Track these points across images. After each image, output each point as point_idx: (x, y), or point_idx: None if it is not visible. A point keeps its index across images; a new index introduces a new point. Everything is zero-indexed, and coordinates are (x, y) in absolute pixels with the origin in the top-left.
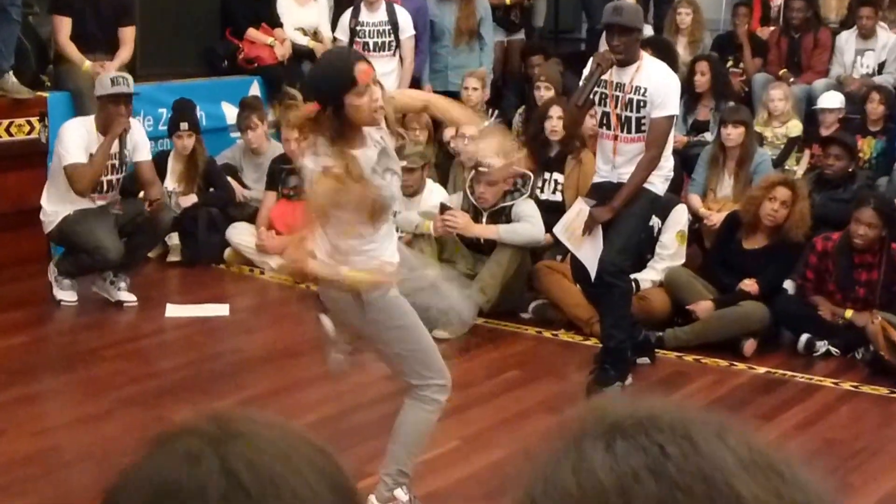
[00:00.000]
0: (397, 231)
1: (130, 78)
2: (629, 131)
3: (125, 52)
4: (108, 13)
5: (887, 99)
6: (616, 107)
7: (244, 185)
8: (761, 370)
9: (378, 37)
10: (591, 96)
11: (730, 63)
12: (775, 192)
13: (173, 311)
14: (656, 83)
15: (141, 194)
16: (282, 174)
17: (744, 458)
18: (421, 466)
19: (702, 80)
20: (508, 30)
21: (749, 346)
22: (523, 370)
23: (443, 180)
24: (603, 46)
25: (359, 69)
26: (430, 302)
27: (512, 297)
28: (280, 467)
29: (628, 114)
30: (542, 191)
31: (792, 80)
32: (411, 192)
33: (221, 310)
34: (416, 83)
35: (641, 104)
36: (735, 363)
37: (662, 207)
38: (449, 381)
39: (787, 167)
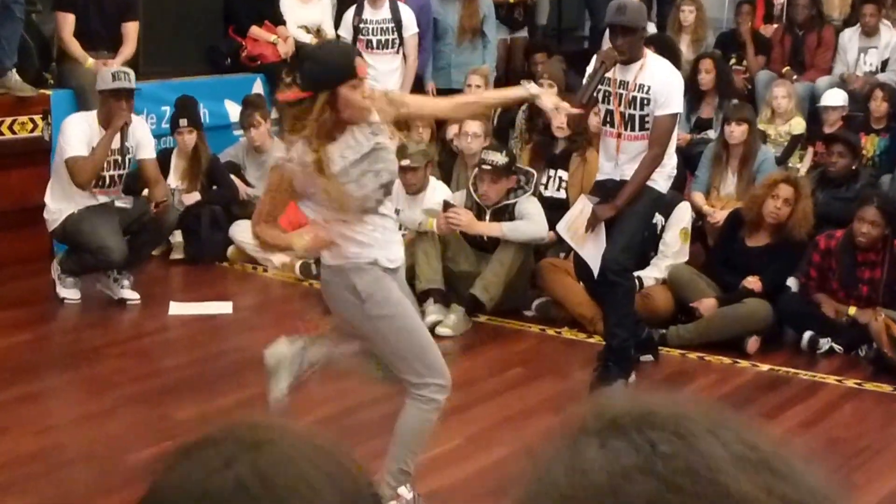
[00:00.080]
0: (400, 229)
1: (132, 73)
2: (632, 129)
3: (128, 49)
4: (112, 9)
5: (891, 97)
6: (619, 105)
7: (247, 183)
8: (765, 368)
9: (381, 34)
10: (595, 94)
11: (733, 61)
12: (778, 190)
13: (176, 308)
14: (660, 81)
15: (145, 192)
16: None
17: (736, 454)
18: (424, 464)
19: (706, 77)
20: (512, 27)
21: (752, 343)
22: (527, 368)
23: (446, 178)
24: (606, 44)
25: (358, 62)
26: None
27: (515, 294)
28: (311, 475)
29: (632, 112)
30: (546, 188)
31: (795, 77)
32: (414, 190)
33: (225, 308)
34: (419, 81)
35: (645, 102)
36: (738, 361)
37: (666, 205)
38: (448, 382)
39: (790, 165)
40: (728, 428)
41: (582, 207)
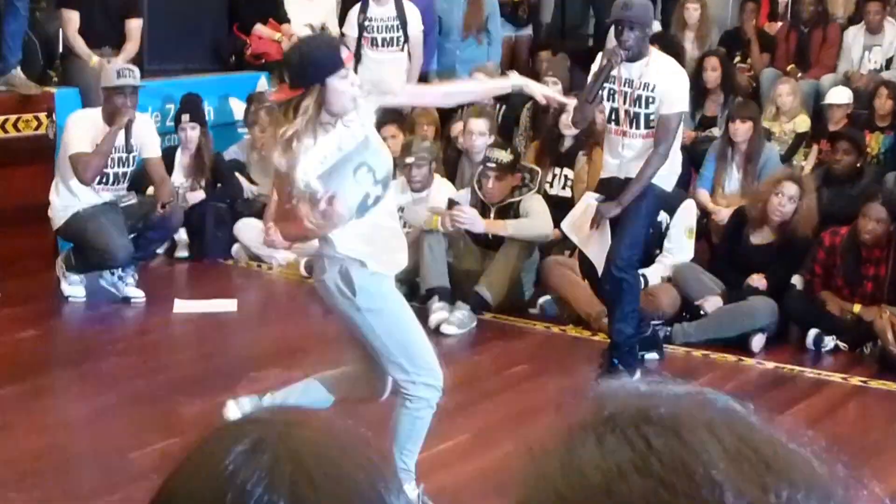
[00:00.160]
0: (405, 227)
1: (136, 70)
2: (637, 127)
3: (131, 46)
4: (115, 7)
5: (895, 94)
6: (625, 103)
7: (252, 181)
8: (770, 365)
9: (386, 32)
10: (600, 92)
11: (737, 59)
12: (782, 188)
13: (181, 306)
14: (665, 79)
15: (150, 190)
16: None
17: (731, 450)
18: (430, 461)
19: (712, 75)
20: (516, 25)
21: (757, 341)
22: (532, 365)
23: (451, 176)
24: (611, 42)
25: (344, 52)
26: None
27: (520, 292)
28: (340, 458)
29: (637, 110)
30: (551, 186)
31: (800, 75)
32: (419, 187)
33: (229, 305)
34: (423, 78)
35: (650, 100)
36: (743, 358)
37: (670, 203)
38: (440, 382)
39: (794, 163)
40: (725, 422)
41: (586, 205)
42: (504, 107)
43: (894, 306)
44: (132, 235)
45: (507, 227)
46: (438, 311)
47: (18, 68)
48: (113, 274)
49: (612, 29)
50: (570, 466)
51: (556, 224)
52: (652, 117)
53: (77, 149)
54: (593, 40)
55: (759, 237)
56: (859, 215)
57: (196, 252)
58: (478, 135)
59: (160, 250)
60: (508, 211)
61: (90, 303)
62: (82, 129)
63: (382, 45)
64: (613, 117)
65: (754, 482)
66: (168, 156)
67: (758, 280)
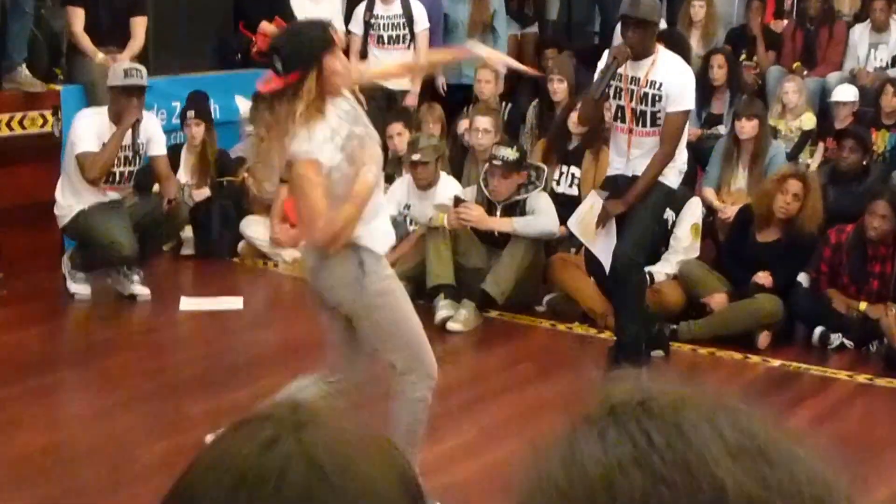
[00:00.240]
0: (411, 224)
1: (144, 70)
2: (644, 125)
3: (136, 43)
4: (120, 4)
5: None
6: (631, 101)
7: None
8: (776, 363)
9: (393, 30)
10: (607, 90)
11: (743, 56)
12: (787, 185)
13: (187, 304)
14: (672, 78)
15: (156, 188)
16: None
17: (732, 445)
18: (436, 459)
19: (719, 73)
20: (522, 23)
21: (763, 338)
22: (537, 363)
23: (456, 173)
24: (617, 39)
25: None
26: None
27: (526, 290)
28: (355, 455)
29: (643, 108)
30: (558, 184)
31: (806, 73)
32: (425, 185)
33: (235, 303)
34: (429, 75)
35: (657, 98)
36: (749, 356)
37: (676, 200)
38: (435, 375)
39: (800, 161)
40: (727, 416)
41: (592, 203)
42: (510, 104)
43: None
44: (137, 234)
45: (512, 225)
46: (444, 309)
47: (24, 66)
48: (118, 272)
49: (619, 26)
50: (571, 461)
51: (563, 222)
52: (658, 115)
53: (83, 148)
54: (599, 38)
55: (765, 235)
56: (865, 213)
57: (202, 250)
58: (483, 132)
59: (166, 248)
60: (514, 208)
61: (96, 301)
62: (89, 128)
63: (388, 43)
64: (619, 115)
65: (755, 478)
66: (174, 154)
67: (764, 278)
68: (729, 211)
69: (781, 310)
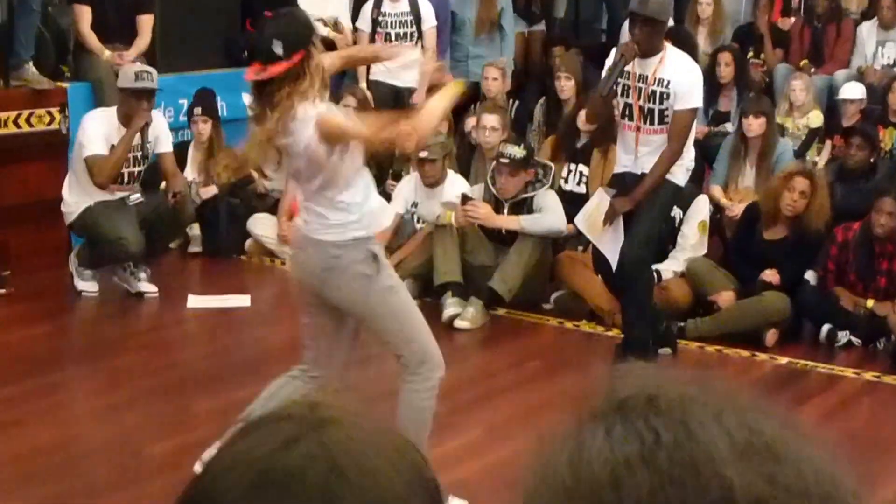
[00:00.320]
0: (418, 222)
1: (155, 73)
2: (652, 123)
3: (143, 41)
4: (127, 2)
5: None
6: (639, 98)
7: (265, 176)
8: (783, 361)
9: (400, 27)
10: (615, 87)
11: (750, 54)
12: (794, 183)
13: (194, 302)
14: (680, 76)
15: (163, 185)
16: None
17: (739, 443)
18: (442, 456)
19: (725, 71)
20: (529, 21)
21: (771, 336)
22: (545, 361)
23: (464, 171)
24: (624, 37)
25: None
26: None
27: (533, 287)
28: (375, 455)
29: (651, 106)
30: (566, 181)
31: (813, 70)
32: (433, 182)
33: (243, 301)
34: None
35: (664, 96)
36: (757, 354)
37: (684, 198)
38: (443, 366)
39: (808, 158)
40: (734, 413)
41: (599, 200)
42: (517, 102)
43: None
44: (143, 231)
45: (520, 223)
46: (451, 307)
47: (31, 63)
48: (125, 270)
49: (627, 23)
50: (577, 458)
51: (572, 220)
52: (666, 113)
53: (92, 151)
54: (606, 36)
55: (772, 232)
56: (872, 210)
57: (209, 247)
58: (490, 130)
59: (173, 245)
60: (522, 206)
61: (103, 298)
62: (97, 130)
63: (396, 41)
64: (627, 113)
65: (763, 476)
66: (181, 151)
67: (771, 275)
68: (736, 209)
69: (789, 307)
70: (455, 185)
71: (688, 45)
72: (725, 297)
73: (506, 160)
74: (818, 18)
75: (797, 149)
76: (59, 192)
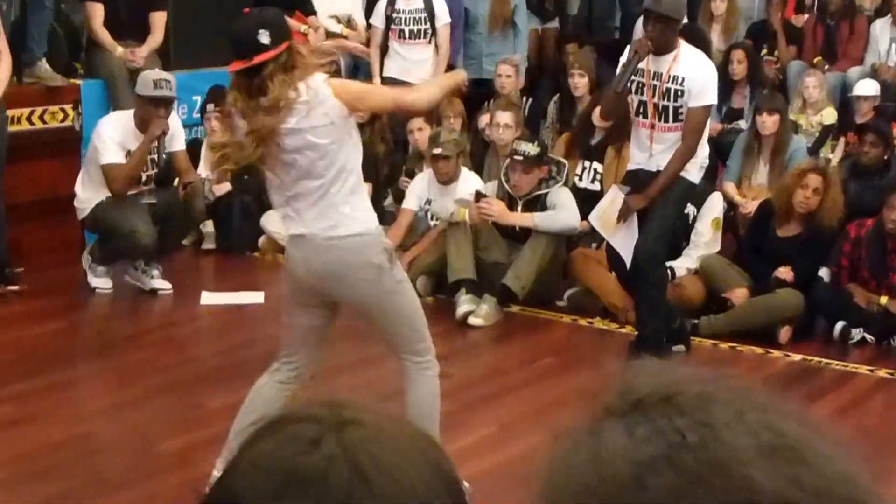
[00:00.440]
0: (432, 219)
1: (174, 81)
2: (666, 120)
3: (155, 38)
4: None
5: None
6: (653, 96)
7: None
8: (797, 358)
9: (414, 24)
10: (629, 84)
11: (764, 51)
12: (807, 180)
13: (208, 299)
14: (694, 73)
15: (176, 182)
16: None
17: (764, 444)
18: (455, 453)
19: (738, 67)
20: (543, 18)
21: (784, 333)
22: (558, 358)
23: (477, 168)
24: (638, 34)
25: None
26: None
27: (547, 285)
28: (396, 456)
29: (665, 103)
30: (580, 179)
31: (827, 67)
32: (446, 179)
33: (256, 298)
34: (449, 71)
35: (679, 94)
36: (770, 351)
37: (698, 195)
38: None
39: (821, 155)
40: (757, 413)
41: (613, 197)
42: (531, 99)
43: None
44: (157, 226)
45: (534, 220)
46: (465, 304)
47: (44, 60)
48: (137, 268)
49: (641, 20)
50: (600, 457)
51: (585, 217)
52: (680, 110)
53: (108, 159)
54: (620, 33)
55: (786, 230)
56: (884, 206)
57: (223, 244)
58: (504, 127)
59: (186, 242)
60: (536, 203)
61: (117, 295)
62: (113, 136)
63: (410, 38)
64: (641, 111)
65: (788, 478)
66: (195, 148)
67: (785, 273)
68: (750, 206)
69: (802, 304)
70: (469, 182)
71: (701, 43)
72: (739, 294)
73: (519, 157)
74: (831, 15)
75: (811, 146)
76: (73, 189)
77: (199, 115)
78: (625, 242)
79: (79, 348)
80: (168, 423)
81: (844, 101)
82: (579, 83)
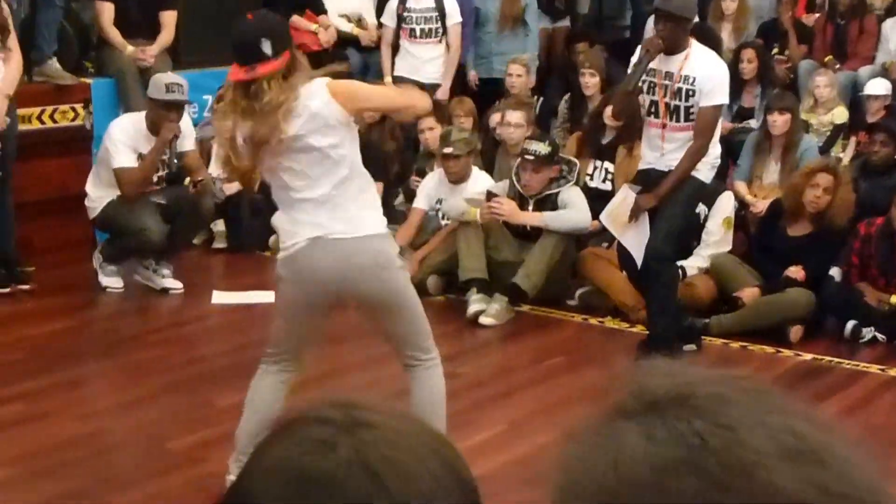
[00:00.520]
0: (443, 219)
1: (186, 85)
2: (678, 120)
3: (166, 37)
4: None
5: None
6: (665, 95)
7: None
8: (807, 357)
9: (425, 23)
10: (640, 83)
11: (775, 50)
12: (817, 179)
13: (219, 298)
14: (705, 72)
15: (187, 180)
16: None
17: (787, 448)
18: (464, 451)
19: (749, 67)
20: (553, 17)
21: (795, 332)
22: (569, 357)
23: (488, 167)
24: (648, 33)
25: None
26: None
27: (557, 284)
28: (411, 457)
29: (677, 103)
30: (591, 178)
31: (837, 67)
32: (457, 178)
33: (267, 297)
34: (460, 70)
35: (690, 93)
36: (781, 350)
37: (709, 194)
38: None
39: (832, 154)
40: (776, 415)
41: (624, 196)
42: (542, 98)
43: None
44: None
45: (544, 219)
46: (476, 303)
47: (54, 59)
48: (148, 268)
49: (651, 20)
50: (616, 459)
51: (596, 216)
52: (692, 110)
53: (120, 162)
54: (631, 32)
55: (796, 229)
56: (893, 205)
57: (233, 243)
58: (515, 126)
59: (197, 241)
60: (546, 202)
61: (127, 293)
62: (124, 138)
63: (420, 37)
64: (653, 110)
65: (810, 482)
66: (205, 147)
67: (796, 272)
68: (760, 205)
69: (813, 303)
70: (479, 181)
71: (711, 42)
72: (749, 294)
73: (530, 156)
74: (842, 14)
75: (822, 145)
76: (83, 188)
77: (209, 115)
78: (635, 242)
79: (88, 347)
80: (177, 421)
81: (855, 100)
82: (590, 82)
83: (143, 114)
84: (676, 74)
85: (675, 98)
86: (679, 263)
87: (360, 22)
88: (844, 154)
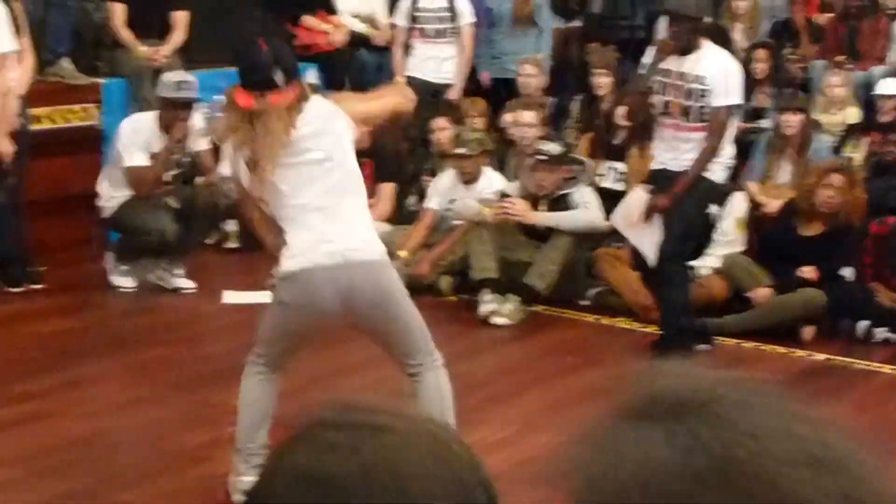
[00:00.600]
0: (455, 219)
1: (196, 83)
2: (691, 120)
3: (177, 37)
4: None
5: None
6: (677, 96)
7: None
8: (820, 357)
9: (437, 23)
10: (653, 84)
11: (787, 50)
12: (829, 179)
13: (230, 297)
14: (717, 72)
15: (199, 180)
16: None
17: (813, 457)
18: (477, 449)
19: (761, 66)
20: (566, 17)
21: (808, 332)
22: (581, 356)
23: (500, 168)
24: (661, 34)
25: None
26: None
27: (570, 284)
28: (431, 460)
29: (689, 103)
30: (604, 179)
31: (850, 66)
32: (469, 178)
33: None
34: (472, 70)
35: (703, 93)
36: (794, 350)
37: (721, 195)
38: None
39: (845, 154)
40: (800, 424)
41: (637, 196)
42: (554, 98)
43: None
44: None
45: (556, 219)
46: (488, 303)
47: (67, 59)
48: (160, 267)
49: (663, 20)
50: (639, 467)
51: (609, 217)
52: (704, 110)
53: (132, 162)
54: (643, 32)
55: (809, 229)
56: None
57: (245, 243)
58: (527, 126)
59: (209, 241)
60: (559, 203)
61: (139, 293)
62: (136, 137)
63: (433, 37)
64: (666, 110)
65: (842, 495)
66: (216, 146)
67: (809, 272)
68: (773, 205)
69: (825, 303)
70: (492, 181)
71: (723, 42)
72: (762, 294)
73: (542, 157)
74: (854, 14)
75: (834, 145)
76: (95, 188)
77: (221, 114)
78: (648, 242)
79: (97, 345)
80: (185, 419)
81: (868, 99)
82: (602, 82)
83: (154, 113)
84: (689, 74)
85: (688, 98)
86: (691, 263)
87: (372, 22)
88: (857, 154)
